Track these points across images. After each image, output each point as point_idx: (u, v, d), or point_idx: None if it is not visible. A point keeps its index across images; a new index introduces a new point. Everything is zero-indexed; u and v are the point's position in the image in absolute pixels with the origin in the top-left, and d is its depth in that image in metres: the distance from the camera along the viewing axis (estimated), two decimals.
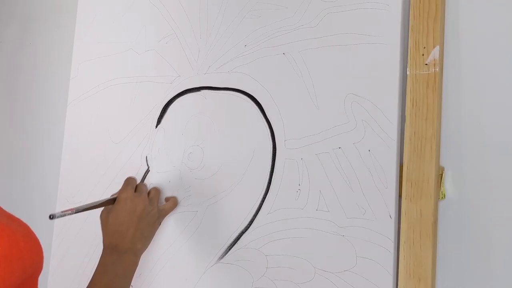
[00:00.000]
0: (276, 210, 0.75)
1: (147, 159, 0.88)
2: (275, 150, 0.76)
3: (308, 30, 0.76)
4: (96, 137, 0.95)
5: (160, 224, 0.82)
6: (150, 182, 0.87)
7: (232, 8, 0.83)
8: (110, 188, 0.91)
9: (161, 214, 0.81)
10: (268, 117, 0.78)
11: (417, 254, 0.65)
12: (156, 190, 0.84)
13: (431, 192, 0.65)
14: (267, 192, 0.76)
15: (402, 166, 0.68)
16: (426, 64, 0.68)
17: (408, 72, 0.69)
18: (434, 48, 0.68)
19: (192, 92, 0.85)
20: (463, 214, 0.69)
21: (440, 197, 0.68)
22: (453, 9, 0.71)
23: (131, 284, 0.85)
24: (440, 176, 0.68)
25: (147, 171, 0.88)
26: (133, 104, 0.91)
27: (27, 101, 1.16)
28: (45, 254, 0.97)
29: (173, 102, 0.87)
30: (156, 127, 0.88)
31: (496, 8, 0.69)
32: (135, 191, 0.80)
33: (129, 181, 0.81)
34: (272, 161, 0.76)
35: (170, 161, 0.85)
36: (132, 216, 0.76)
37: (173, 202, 0.83)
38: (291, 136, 0.75)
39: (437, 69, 0.67)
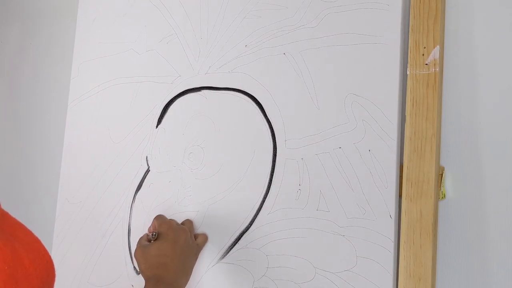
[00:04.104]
0: (277, 210, 0.75)
1: (148, 159, 0.88)
2: (276, 150, 0.76)
3: (308, 30, 0.76)
4: (96, 137, 0.95)
5: (197, 259, 0.79)
6: (151, 182, 0.87)
7: (232, 8, 0.83)
8: (110, 188, 0.91)
9: (198, 249, 0.78)
10: (269, 117, 0.78)
11: (417, 254, 0.65)
12: (190, 222, 0.81)
13: (431, 192, 0.66)
14: (268, 192, 0.76)
15: (402, 166, 0.68)
16: (426, 64, 0.68)
17: (408, 72, 0.69)
18: (434, 48, 0.68)
19: (193, 92, 0.85)
20: (463, 214, 0.69)
21: (440, 197, 0.68)
22: (453, 9, 0.71)
23: (132, 284, 0.86)
24: (440, 176, 0.68)
25: (147, 171, 0.88)
26: (134, 104, 0.91)
27: (27, 101, 1.16)
28: None
29: (173, 102, 0.87)
30: (157, 127, 0.88)
31: (496, 8, 0.69)
32: None
33: (162, 216, 0.79)
34: (273, 161, 0.76)
35: (171, 161, 0.85)
36: (175, 247, 0.73)
37: (205, 237, 0.80)
38: (292, 136, 0.75)
39: (437, 69, 0.67)
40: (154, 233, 0.75)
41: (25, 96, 1.16)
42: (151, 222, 0.85)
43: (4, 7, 1.22)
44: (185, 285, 0.73)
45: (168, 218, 0.81)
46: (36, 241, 0.52)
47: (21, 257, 0.47)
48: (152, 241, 0.75)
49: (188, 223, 0.81)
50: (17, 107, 1.17)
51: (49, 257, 0.52)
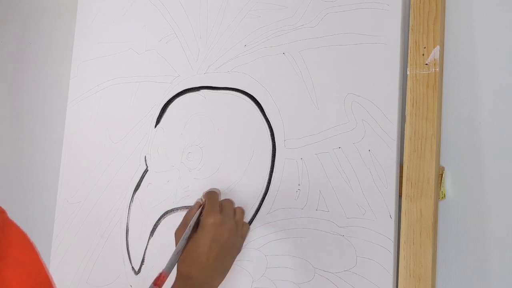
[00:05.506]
0: (276, 210, 0.75)
1: (146, 159, 0.88)
2: (275, 150, 0.76)
3: (308, 30, 0.76)
4: (95, 136, 0.95)
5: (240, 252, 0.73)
6: (149, 182, 0.87)
7: (232, 7, 0.83)
8: (109, 188, 0.91)
9: (242, 242, 0.73)
10: (268, 117, 0.77)
11: (417, 254, 0.65)
12: (242, 212, 0.74)
13: (431, 192, 0.65)
14: (267, 192, 0.76)
15: (402, 166, 0.68)
16: (426, 64, 0.68)
17: (408, 72, 0.69)
18: (434, 48, 0.68)
19: (192, 91, 0.85)
20: (463, 214, 0.69)
21: (440, 197, 0.68)
22: (453, 9, 0.71)
23: (130, 284, 0.85)
24: (440, 176, 0.68)
25: (146, 171, 0.88)
26: (133, 103, 0.91)
27: (27, 100, 1.15)
28: (45, 254, 0.97)
29: (172, 101, 0.87)
30: (155, 126, 0.88)
31: (496, 8, 0.69)
32: (221, 210, 0.71)
33: (214, 199, 0.71)
34: (272, 161, 0.76)
35: (169, 161, 0.85)
36: (214, 247, 0.67)
37: (248, 227, 0.75)
38: (291, 136, 0.75)
39: (437, 69, 0.67)
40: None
41: (25, 96, 1.16)
42: (149, 223, 0.84)
43: (4, 6, 1.22)
44: (219, 284, 0.68)
45: (223, 198, 0.75)
46: (33, 259, 0.49)
47: (5, 278, 0.44)
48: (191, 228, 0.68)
49: (239, 212, 0.73)
50: (17, 107, 1.17)
51: (45, 275, 0.49)
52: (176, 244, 0.70)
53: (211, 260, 0.67)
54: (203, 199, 0.74)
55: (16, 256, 0.47)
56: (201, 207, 0.73)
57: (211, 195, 0.73)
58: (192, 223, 0.69)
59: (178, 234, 0.71)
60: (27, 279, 0.46)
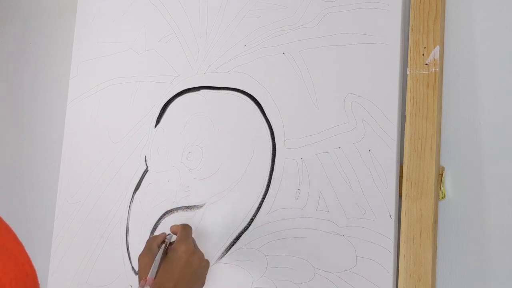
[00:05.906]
0: (276, 210, 0.75)
1: (146, 158, 0.88)
2: (275, 150, 0.76)
3: (308, 29, 0.76)
4: (95, 136, 0.95)
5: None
6: (149, 182, 0.87)
7: (231, 7, 0.83)
8: (109, 188, 0.91)
9: (205, 277, 0.72)
10: (268, 117, 0.77)
11: (417, 254, 0.65)
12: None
13: (431, 192, 0.65)
14: (267, 192, 0.76)
15: (402, 166, 0.68)
16: (426, 64, 0.68)
17: (408, 72, 0.69)
18: (434, 48, 0.68)
19: (192, 91, 0.85)
20: (463, 214, 0.69)
21: (440, 197, 0.68)
22: (453, 9, 0.71)
23: (130, 284, 0.85)
24: (440, 176, 0.68)
25: (146, 171, 0.87)
26: (133, 103, 0.91)
27: (27, 100, 1.15)
28: (45, 254, 0.97)
29: (172, 101, 0.87)
30: (155, 126, 0.88)
31: (496, 8, 0.69)
32: None
33: (188, 230, 0.73)
34: (272, 161, 0.76)
35: (169, 161, 0.85)
36: (185, 273, 0.67)
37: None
38: (291, 136, 0.75)
39: (437, 69, 0.67)
40: (165, 246, 0.69)
41: (25, 96, 1.16)
42: (149, 223, 0.84)
43: (4, 6, 1.22)
44: None
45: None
46: (20, 249, 0.47)
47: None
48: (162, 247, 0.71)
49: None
50: (17, 107, 1.17)
51: (30, 267, 0.47)
52: (139, 271, 0.69)
53: (181, 286, 0.66)
54: (171, 230, 0.74)
55: (4, 244, 0.46)
56: (168, 235, 0.73)
57: (186, 226, 0.74)
58: (160, 252, 0.69)
59: (142, 259, 0.70)
60: (11, 271, 0.44)
